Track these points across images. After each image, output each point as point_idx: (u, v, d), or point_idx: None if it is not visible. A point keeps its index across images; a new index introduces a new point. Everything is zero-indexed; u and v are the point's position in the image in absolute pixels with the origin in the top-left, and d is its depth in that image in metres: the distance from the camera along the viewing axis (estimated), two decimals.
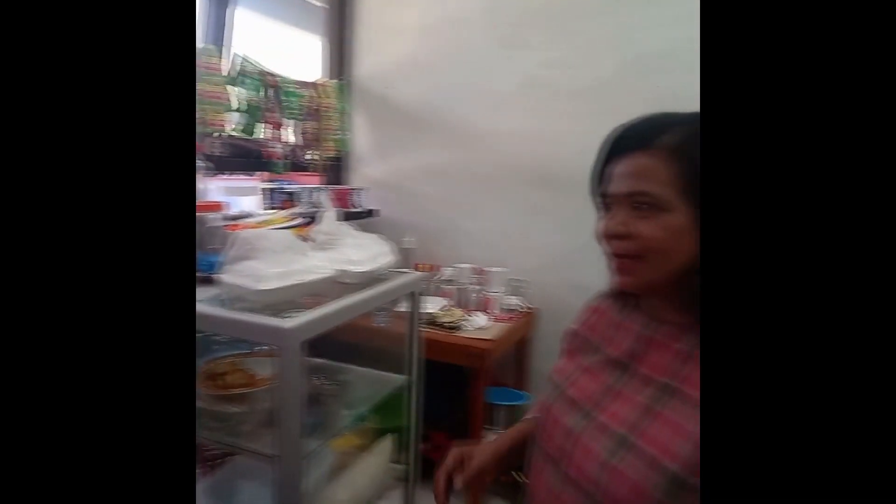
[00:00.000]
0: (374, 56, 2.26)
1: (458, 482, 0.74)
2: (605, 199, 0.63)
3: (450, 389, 2.08)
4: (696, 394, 0.54)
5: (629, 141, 0.60)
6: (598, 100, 1.86)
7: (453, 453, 0.78)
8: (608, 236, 0.61)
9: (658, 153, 0.57)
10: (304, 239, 1.15)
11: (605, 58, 1.87)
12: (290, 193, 1.78)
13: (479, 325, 1.79)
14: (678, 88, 1.74)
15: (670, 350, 0.60)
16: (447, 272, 2.04)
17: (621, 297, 0.71)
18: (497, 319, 1.87)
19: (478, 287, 1.97)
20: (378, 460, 1.25)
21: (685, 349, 0.59)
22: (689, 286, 0.57)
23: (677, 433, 0.54)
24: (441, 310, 1.84)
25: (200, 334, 0.94)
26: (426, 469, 1.81)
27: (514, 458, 0.78)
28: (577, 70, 1.91)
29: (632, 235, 0.58)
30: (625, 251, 0.59)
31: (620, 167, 0.60)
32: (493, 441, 0.82)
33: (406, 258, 2.08)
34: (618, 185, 0.60)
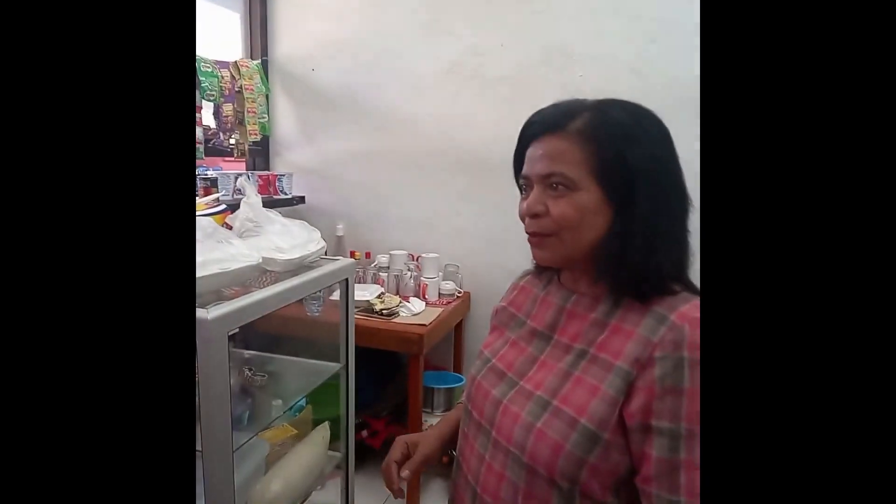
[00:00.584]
0: (295, 36, 2.17)
1: (406, 473, 0.76)
2: (524, 180, 0.67)
3: (388, 376, 2.08)
4: (608, 358, 0.59)
5: (543, 125, 0.64)
6: (517, 86, 1.91)
7: (398, 443, 0.80)
8: (527, 215, 0.64)
9: (569, 136, 0.61)
10: (227, 226, 1.10)
11: (524, 46, 1.92)
12: (211, 179, 1.68)
13: (414, 311, 1.79)
14: (590, 76, 1.83)
15: (586, 319, 0.64)
16: (382, 259, 2.03)
17: (543, 273, 0.76)
18: (433, 305, 1.88)
19: (413, 273, 1.97)
20: (314, 449, 1.23)
21: (599, 317, 0.63)
22: (600, 260, 0.62)
23: (592, 394, 0.58)
24: (377, 297, 1.82)
25: None
26: (367, 456, 1.82)
27: (457, 441, 0.80)
28: (498, 57, 1.95)
29: (547, 214, 0.62)
30: (541, 229, 0.63)
31: (536, 150, 0.64)
32: (434, 427, 0.84)
33: (339, 246, 2.04)
34: (533, 167, 0.64)
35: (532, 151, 0.64)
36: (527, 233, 0.66)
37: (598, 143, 0.59)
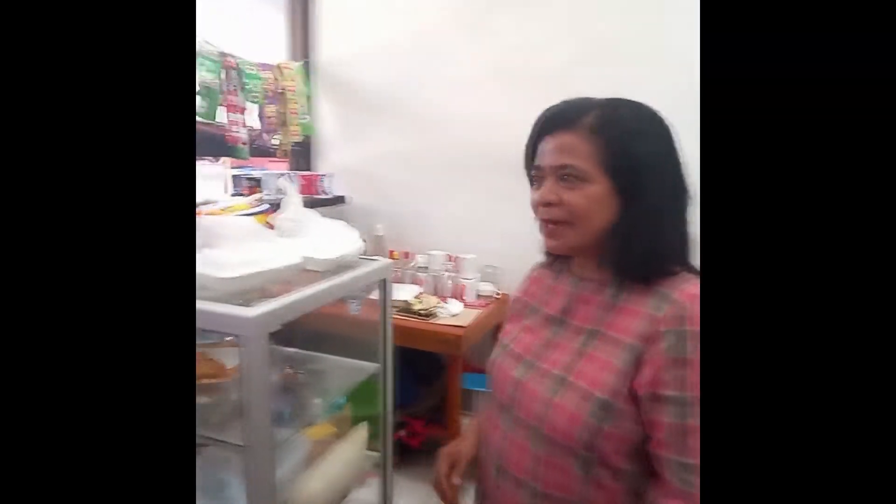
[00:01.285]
0: (338, 38, 2.20)
1: (457, 480, 0.81)
2: (535, 172, 0.72)
3: (427, 376, 2.08)
4: (618, 335, 0.65)
5: (556, 121, 0.69)
6: (559, 85, 1.84)
7: (443, 457, 0.85)
8: (540, 204, 0.69)
9: (581, 132, 0.66)
10: (269, 226, 1.11)
11: (565, 43, 1.87)
12: (255, 179, 1.72)
13: (453, 312, 1.78)
14: (634, 73, 1.76)
15: (596, 302, 0.70)
16: (420, 259, 2.02)
17: (555, 263, 0.82)
18: (471, 306, 1.86)
19: (451, 274, 1.95)
20: (353, 448, 1.23)
21: (608, 300, 0.69)
22: (607, 247, 0.68)
23: (604, 368, 0.64)
24: (415, 297, 1.82)
25: None
26: (406, 455, 1.82)
27: None
28: (539, 55, 1.91)
29: (560, 203, 0.67)
30: (554, 218, 0.68)
31: (549, 144, 0.69)
32: (470, 430, 0.89)
33: (379, 245, 2.05)
34: (547, 160, 0.68)
35: (545, 145, 0.69)
36: (542, 221, 0.71)
37: (607, 138, 0.64)
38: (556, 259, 0.81)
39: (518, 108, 1.93)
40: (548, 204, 0.68)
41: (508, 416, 0.72)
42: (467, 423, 1.80)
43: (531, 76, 1.92)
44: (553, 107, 0.71)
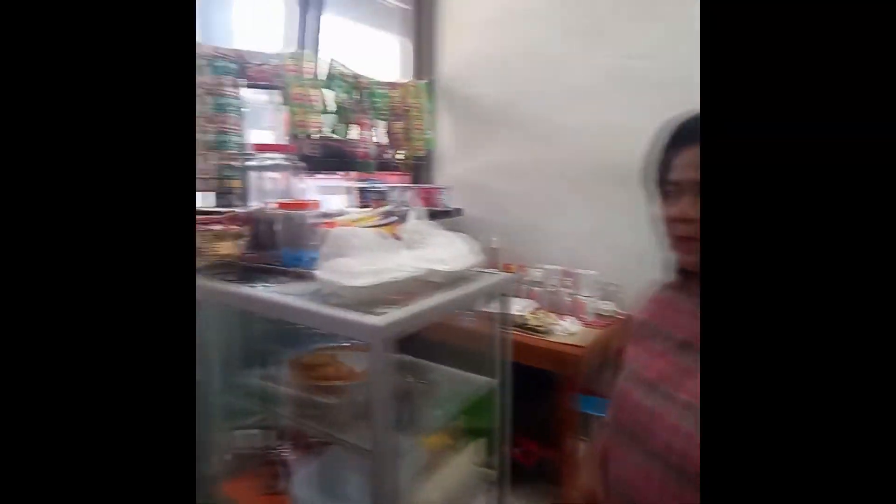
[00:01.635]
0: (455, 54, 2.26)
1: None
2: (667, 186, 0.68)
3: (539, 395, 2.01)
4: None
5: (691, 133, 0.64)
6: (683, 92, 1.71)
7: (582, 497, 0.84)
8: (678, 220, 0.66)
9: None
10: (393, 237, 1.15)
11: (689, 47, 1.72)
12: (380, 192, 1.81)
13: (569, 330, 1.71)
14: None
15: None
16: (535, 274, 1.98)
17: (684, 284, 0.76)
18: (589, 325, 1.78)
19: (567, 290, 1.88)
20: (468, 462, 1.22)
21: None
22: None
23: None
24: (529, 312, 1.78)
25: (299, 327, 0.98)
26: (516, 474, 1.77)
27: None
28: (661, 61, 1.79)
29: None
30: (695, 234, 0.63)
31: (685, 157, 0.65)
32: (589, 458, 0.86)
33: (493, 258, 2.04)
34: (683, 174, 0.65)
35: (685, 158, 0.65)
36: (676, 238, 0.67)
37: None
38: (686, 278, 0.76)
39: (638, 118, 1.83)
40: (688, 220, 0.64)
41: (640, 447, 0.67)
42: (582, 448, 1.71)
43: (651, 83, 1.82)
44: (688, 117, 0.67)
